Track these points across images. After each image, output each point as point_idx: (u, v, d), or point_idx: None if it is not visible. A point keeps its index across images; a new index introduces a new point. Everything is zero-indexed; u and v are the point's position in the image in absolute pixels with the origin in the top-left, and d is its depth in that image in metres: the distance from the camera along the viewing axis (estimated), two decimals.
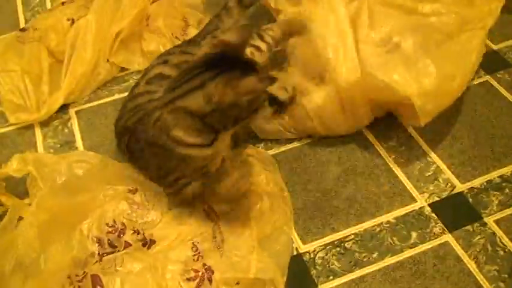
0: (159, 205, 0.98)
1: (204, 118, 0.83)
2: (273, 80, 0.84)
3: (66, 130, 1.20)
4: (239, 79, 0.82)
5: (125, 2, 1.29)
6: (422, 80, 1.01)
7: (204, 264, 0.91)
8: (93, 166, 1.02)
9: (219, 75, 0.83)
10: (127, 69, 1.31)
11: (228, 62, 0.84)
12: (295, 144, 1.13)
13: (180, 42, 1.26)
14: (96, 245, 0.91)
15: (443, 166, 1.08)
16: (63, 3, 1.36)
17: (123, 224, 0.94)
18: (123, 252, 0.91)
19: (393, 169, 1.08)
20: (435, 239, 0.97)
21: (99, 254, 0.91)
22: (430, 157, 1.09)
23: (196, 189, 0.96)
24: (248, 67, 0.85)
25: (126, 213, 0.96)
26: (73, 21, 1.28)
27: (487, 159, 1.08)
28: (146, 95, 0.97)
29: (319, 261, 0.96)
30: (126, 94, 1.24)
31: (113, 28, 1.27)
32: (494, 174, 1.06)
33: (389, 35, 1.07)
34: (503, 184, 1.04)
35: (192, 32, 1.28)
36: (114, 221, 0.94)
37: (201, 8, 1.36)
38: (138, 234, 0.93)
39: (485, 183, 1.04)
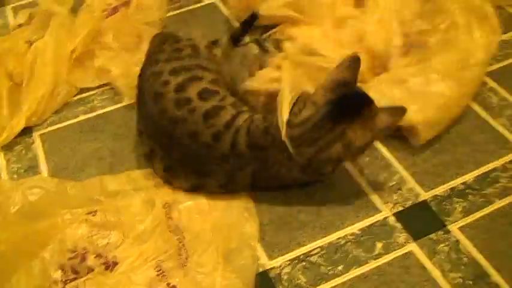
0: (121, 225, 0.98)
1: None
2: (403, 110, 0.90)
3: (30, 154, 1.18)
4: (373, 119, 0.89)
5: (78, 21, 1.30)
6: (427, 110, 1.07)
7: (168, 284, 0.90)
8: (48, 191, 1.00)
9: (353, 121, 0.89)
10: (91, 89, 1.31)
11: (352, 103, 0.90)
12: None
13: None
14: (59, 272, 0.91)
15: (406, 175, 1.08)
16: (20, 26, 1.36)
17: (84, 248, 0.93)
18: (85, 278, 0.90)
19: (358, 180, 1.08)
20: (400, 248, 0.98)
21: (62, 281, 0.90)
22: (394, 167, 1.10)
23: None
24: (365, 97, 0.92)
25: (87, 237, 0.96)
26: (31, 44, 1.28)
27: (450, 166, 1.09)
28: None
29: (285, 276, 0.95)
30: (91, 115, 1.24)
31: (68, 47, 1.26)
32: (457, 181, 1.07)
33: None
34: (467, 191, 1.05)
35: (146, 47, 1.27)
36: (76, 246, 0.93)
37: (158, 25, 1.35)
38: (100, 257, 0.92)
39: (448, 191, 1.05)
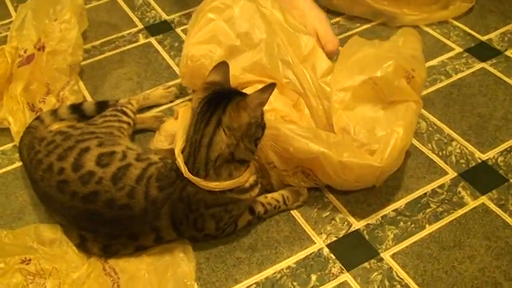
0: (56, 273, 0.97)
1: (234, 156, 0.94)
2: (273, 85, 0.92)
3: None
4: (244, 100, 0.92)
5: None
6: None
7: None
8: None
9: (226, 108, 0.92)
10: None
11: (222, 97, 0.94)
12: None
13: (34, 112, 1.28)
14: None
15: (339, 205, 1.10)
16: None
17: None
18: None
19: (292, 213, 1.10)
20: (334, 279, 0.99)
21: None
22: (327, 197, 1.11)
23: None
24: (238, 93, 0.96)
25: (22, 286, 0.95)
26: None
27: (381, 194, 1.11)
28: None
29: None
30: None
31: None
32: (388, 209, 1.09)
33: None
34: (398, 218, 1.07)
35: (51, 101, 1.30)
36: None
37: (67, 71, 1.35)
38: None
39: (380, 219, 1.07)
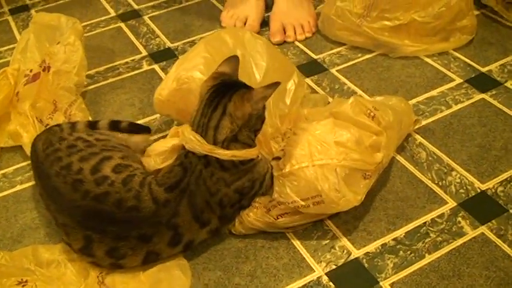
0: None
1: (237, 138, 1.01)
2: (278, 84, 1.00)
3: None
4: (250, 92, 0.99)
5: None
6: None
7: None
8: None
9: (232, 96, 0.99)
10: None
11: (229, 87, 1.02)
12: None
13: (43, 125, 1.30)
14: None
15: (339, 233, 1.10)
16: None
17: None
18: None
19: (292, 241, 1.10)
20: None
21: None
22: (327, 225, 1.12)
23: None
24: (244, 86, 1.03)
25: None
26: None
27: (381, 222, 1.11)
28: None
29: None
30: (29, 184, 1.24)
31: None
32: (388, 238, 1.09)
33: None
34: (398, 247, 1.07)
35: (59, 118, 1.32)
36: None
37: (74, 90, 1.37)
38: None
39: (380, 247, 1.07)
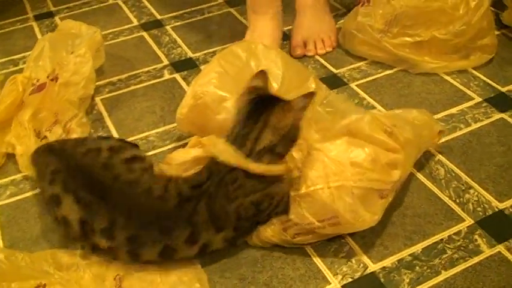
0: None
1: (274, 149, 1.03)
2: (313, 94, 1.04)
3: None
4: (289, 103, 1.03)
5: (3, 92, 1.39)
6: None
7: None
8: None
9: (273, 108, 1.03)
10: None
11: (267, 100, 1.05)
12: None
13: (39, 139, 1.31)
14: None
15: (355, 247, 1.11)
16: None
17: None
18: None
19: (309, 252, 1.10)
20: None
21: None
22: (344, 238, 1.12)
23: None
24: (280, 99, 1.06)
25: None
26: None
27: (399, 238, 1.12)
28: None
29: None
30: None
31: None
32: (405, 253, 1.09)
33: None
34: (414, 262, 1.07)
35: (58, 131, 1.33)
36: None
37: (77, 104, 1.39)
38: None
39: (396, 262, 1.08)
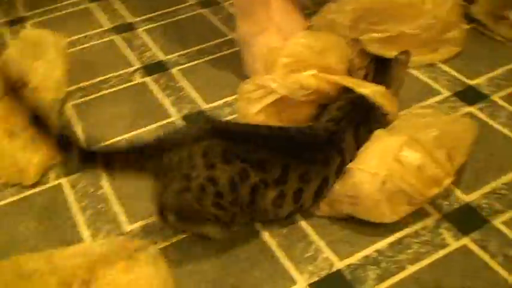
0: None
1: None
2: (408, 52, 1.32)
3: None
4: (396, 59, 1.30)
5: None
6: None
7: None
8: None
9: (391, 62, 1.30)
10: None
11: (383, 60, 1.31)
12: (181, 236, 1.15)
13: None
14: None
15: (322, 245, 1.11)
16: None
17: None
18: None
19: (276, 252, 1.11)
20: None
21: None
22: (311, 237, 1.13)
23: None
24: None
25: None
26: None
27: (364, 234, 1.13)
28: None
29: None
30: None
31: None
32: (370, 249, 1.10)
33: None
34: (380, 258, 1.08)
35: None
36: None
37: (48, 108, 1.39)
38: None
39: (362, 259, 1.08)
